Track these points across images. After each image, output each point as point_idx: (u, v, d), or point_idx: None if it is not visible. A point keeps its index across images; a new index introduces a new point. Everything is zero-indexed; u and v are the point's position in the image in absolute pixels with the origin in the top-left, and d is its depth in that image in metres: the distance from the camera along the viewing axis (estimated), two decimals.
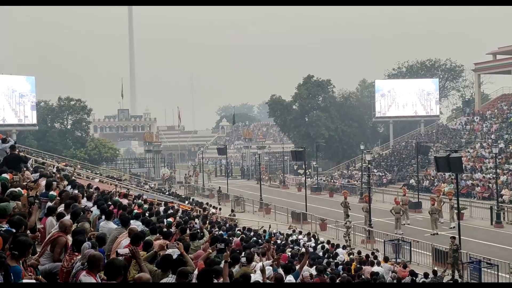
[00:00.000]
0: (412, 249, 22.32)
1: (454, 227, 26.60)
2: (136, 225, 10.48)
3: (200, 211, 28.00)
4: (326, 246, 20.23)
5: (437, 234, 26.62)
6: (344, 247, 21.18)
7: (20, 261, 5.25)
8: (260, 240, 17.60)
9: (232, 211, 33.39)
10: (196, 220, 18.74)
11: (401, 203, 29.44)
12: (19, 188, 9.14)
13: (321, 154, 63.27)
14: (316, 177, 51.23)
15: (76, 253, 6.61)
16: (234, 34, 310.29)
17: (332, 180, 50.76)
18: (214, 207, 31.35)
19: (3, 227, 5.72)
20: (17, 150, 15.54)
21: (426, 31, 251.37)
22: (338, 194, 43.89)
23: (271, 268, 9.01)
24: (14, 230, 5.78)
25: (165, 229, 11.09)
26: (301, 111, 64.36)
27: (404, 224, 29.12)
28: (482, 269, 18.46)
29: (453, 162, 21.69)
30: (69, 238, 7.37)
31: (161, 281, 6.29)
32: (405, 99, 61.93)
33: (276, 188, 53.81)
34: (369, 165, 32.48)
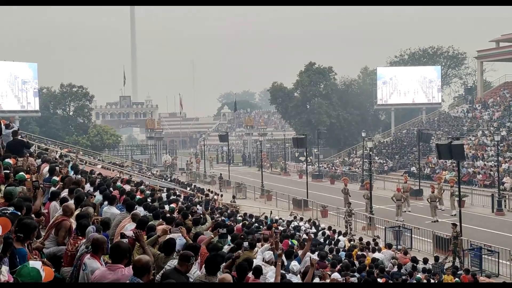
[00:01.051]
0: (413, 236, 22.41)
1: (455, 214, 26.67)
2: (140, 210, 10.53)
3: (202, 197, 28.12)
4: (327, 232, 20.30)
5: (437, 221, 26.70)
6: (344, 234, 21.26)
7: (25, 244, 5.28)
8: (261, 226, 17.67)
9: (234, 197, 33.50)
10: (198, 206, 18.84)
11: (402, 190, 29.48)
12: (22, 173, 9.17)
13: (322, 142, 63.19)
14: (317, 164, 51.30)
15: (80, 237, 6.65)
16: (235, 21, 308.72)
17: (333, 167, 50.83)
18: (215, 194, 31.43)
19: (9, 210, 5.75)
20: (19, 136, 15.56)
21: (429, 18, 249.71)
22: (339, 181, 43.96)
23: (271, 252, 9.06)
24: (19, 213, 5.80)
25: (168, 215, 11.14)
26: (303, 99, 64.25)
27: (405, 211, 29.19)
28: (483, 256, 18.55)
29: (454, 149, 21.67)
30: (73, 221, 7.41)
31: (166, 265, 6.33)
32: (407, 86, 61.70)
33: (277, 175, 53.91)
34: (370, 153, 32.48)
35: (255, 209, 29.48)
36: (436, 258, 17.65)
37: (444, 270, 16.11)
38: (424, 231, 22.27)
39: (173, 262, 6.25)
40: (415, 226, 22.91)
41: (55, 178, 11.39)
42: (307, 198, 31.79)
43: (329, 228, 21.91)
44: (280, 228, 19.79)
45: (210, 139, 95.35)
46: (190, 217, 12.17)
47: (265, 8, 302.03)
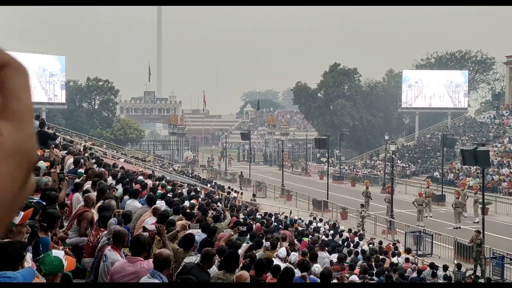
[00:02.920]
0: (433, 241, 22.08)
1: (478, 222, 26.19)
2: (160, 204, 10.64)
3: (222, 194, 28.22)
4: (346, 234, 20.17)
5: (459, 228, 26.26)
6: (360, 237, 21.09)
7: (49, 233, 5.37)
8: (280, 226, 17.65)
9: (254, 196, 33.55)
10: (218, 203, 18.92)
11: (424, 195, 29.11)
12: (41, 161, 9.30)
13: (344, 143, 62.75)
14: (338, 166, 50.98)
15: (102, 229, 6.74)
16: (260, 21, 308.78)
17: (354, 170, 50.48)
18: (235, 191, 31.52)
19: (34, 199, 5.86)
20: (46, 128, 15.85)
21: (458, 21, 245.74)
22: (360, 184, 43.59)
23: (296, 254, 9.05)
24: (44, 203, 5.91)
25: (188, 210, 11.22)
26: (326, 99, 63.94)
27: (426, 217, 28.78)
28: (505, 265, 18.18)
29: (480, 155, 21.28)
30: (94, 213, 7.52)
31: (185, 259, 6.37)
32: (433, 90, 60.87)
33: (298, 175, 53.81)
34: (393, 156, 32.13)
35: (275, 208, 29.46)
36: (459, 266, 17.35)
37: (465, 279, 15.83)
38: (446, 237, 21.92)
39: (191, 258, 6.28)
40: (436, 232, 22.57)
41: (81, 170, 11.58)
42: (327, 199, 31.65)
43: (349, 231, 21.77)
44: (300, 228, 19.76)
45: (232, 137, 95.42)
46: (210, 213, 12.23)
47: (290, 9, 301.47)
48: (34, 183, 0.50)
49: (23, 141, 0.50)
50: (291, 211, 26.47)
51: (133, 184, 13.29)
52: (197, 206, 13.63)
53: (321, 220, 24.73)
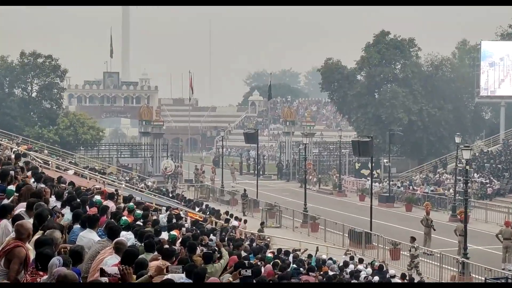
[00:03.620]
0: None
1: None
2: (126, 237, 10.60)
3: (217, 222, 28.16)
4: (398, 280, 20.10)
5: None
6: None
7: None
8: (302, 269, 17.60)
9: (262, 224, 33.47)
10: (211, 236, 18.86)
11: None
12: None
13: (396, 148, 62.53)
14: (387, 182, 50.81)
15: (41, 272, 6.72)
16: None
17: (411, 187, 50.28)
18: (237, 218, 31.45)
19: None
20: None
21: None
22: (418, 208, 43.34)
23: None
24: None
25: (166, 246, 11.18)
26: (369, 84, 63.83)
27: None
28: None
29: None
30: (30, 249, 7.49)
31: None
32: None
33: (328, 194, 53.75)
34: (468, 167, 31.94)
35: (294, 243, 29.40)
36: None
37: None
38: None
39: None
40: None
41: (11, 187, 11.59)
42: (371, 230, 31.54)
43: (402, 276, 21.68)
44: (330, 272, 19.69)
45: (232, 138, 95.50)
46: (199, 250, 12.21)
47: None
48: None
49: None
50: (317, 248, 26.36)
51: (87, 207, 13.27)
52: (179, 240, 13.58)
53: (361, 261, 24.62)
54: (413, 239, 27.06)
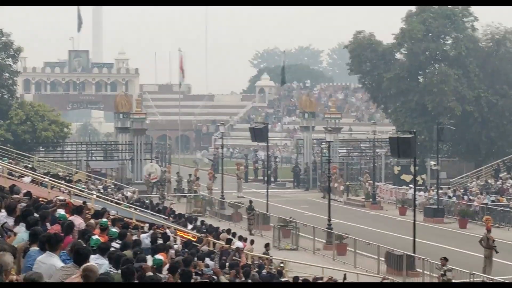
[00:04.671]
0: None
1: None
2: (98, 262, 10.57)
3: (215, 244, 28.12)
4: None
5: None
6: None
7: None
8: None
9: (268, 246, 33.39)
10: (208, 260, 18.86)
11: None
12: None
13: (446, 147, 62.42)
14: (435, 190, 50.67)
15: None
16: None
17: (465, 197, 50.15)
18: (241, 238, 31.43)
19: None
20: None
21: None
22: (476, 223, 43.27)
23: None
24: None
25: (150, 274, 11.15)
26: (411, 65, 63.74)
27: None
28: None
29: None
30: None
31: None
32: None
33: (358, 207, 53.80)
34: None
35: (315, 269, 29.41)
36: None
37: None
38: None
39: None
40: None
41: None
42: (414, 253, 31.46)
43: None
44: None
45: (234, 135, 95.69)
46: (192, 279, 12.18)
47: None
48: None
49: None
50: (345, 275, 26.33)
51: (48, 224, 13.26)
52: (167, 266, 13.56)
53: None
54: (445, 260, 26.98)
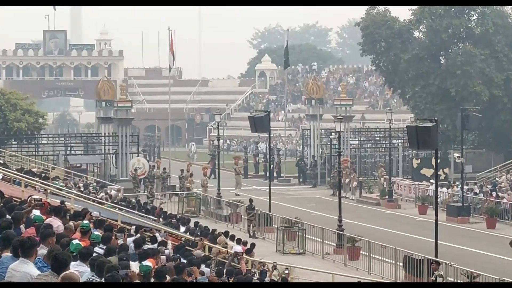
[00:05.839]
0: None
1: None
2: (78, 270, 10.57)
3: (211, 248, 28.13)
4: None
5: None
6: None
7: None
8: None
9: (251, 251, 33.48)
10: (203, 266, 18.86)
11: None
12: None
13: (472, 137, 62.39)
14: (459, 185, 50.67)
15: None
16: None
17: (494, 193, 50.13)
18: (240, 241, 31.46)
19: None
20: None
21: None
22: (505, 223, 43.28)
23: None
24: None
25: (137, 282, 11.14)
26: (432, 44, 63.71)
27: None
28: None
29: None
30: None
31: None
32: None
33: (373, 205, 53.85)
34: None
35: (325, 276, 29.50)
36: None
37: None
38: None
39: None
40: None
41: None
42: (436, 256, 31.40)
43: None
44: None
45: (232, 125, 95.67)
46: None
47: None
48: None
49: None
50: (359, 283, 26.32)
51: (22, 227, 13.24)
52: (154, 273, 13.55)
53: None
54: (436, 264, 27.03)
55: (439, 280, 27.02)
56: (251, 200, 44.61)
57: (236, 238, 32.23)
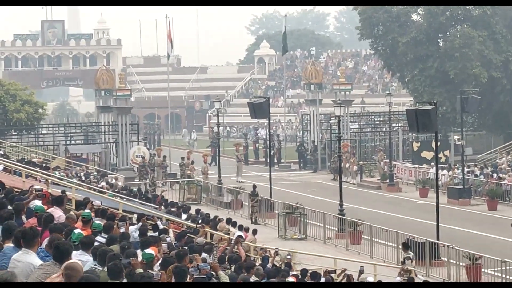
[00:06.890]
0: None
1: None
2: (81, 259, 10.58)
3: (213, 235, 28.14)
4: None
5: None
6: None
7: None
8: None
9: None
10: (205, 254, 18.86)
11: None
12: None
13: (472, 119, 62.33)
14: (460, 168, 50.67)
15: None
16: None
17: (495, 175, 50.13)
18: (241, 228, 31.48)
19: None
20: None
21: None
22: (507, 205, 43.27)
23: None
24: None
25: (139, 270, 11.15)
26: (430, 27, 63.56)
27: None
28: None
29: None
30: None
31: None
32: None
33: (374, 189, 53.80)
34: None
35: (326, 260, 29.46)
36: None
37: None
38: None
39: None
40: None
41: None
42: (438, 239, 31.50)
43: None
44: None
45: (231, 112, 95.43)
46: (188, 277, 12.20)
47: None
48: None
49: None
50: (361, 268, 26.33)
51: (23, 217, 13.24)
52: (159, 262, 13.57)
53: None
54: (405, 247, 27.00)
55: (408, 262, 26.90)
56: (254, 187, 44.49)
57: (238, 225, 32.30)
